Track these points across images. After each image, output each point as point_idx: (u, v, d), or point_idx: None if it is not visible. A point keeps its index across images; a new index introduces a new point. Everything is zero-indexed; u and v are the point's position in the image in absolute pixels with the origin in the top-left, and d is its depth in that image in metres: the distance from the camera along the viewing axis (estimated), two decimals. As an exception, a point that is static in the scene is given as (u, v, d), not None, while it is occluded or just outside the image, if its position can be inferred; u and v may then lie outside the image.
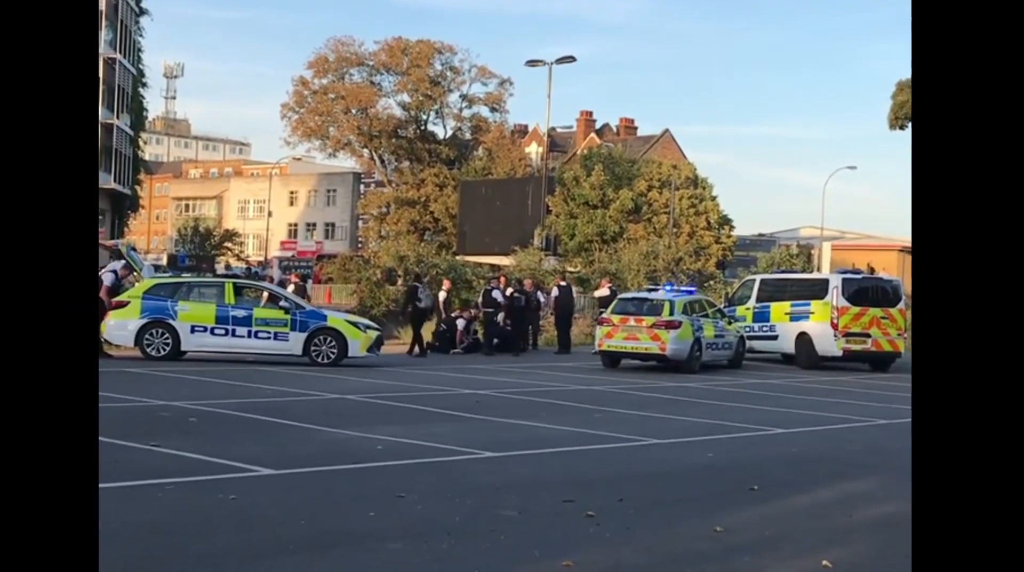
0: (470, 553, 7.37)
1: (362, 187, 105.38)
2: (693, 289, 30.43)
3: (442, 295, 31.46)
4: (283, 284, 30.94)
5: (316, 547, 7.33)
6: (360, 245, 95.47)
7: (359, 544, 7.54)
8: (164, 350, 22.55)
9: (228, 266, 59.33)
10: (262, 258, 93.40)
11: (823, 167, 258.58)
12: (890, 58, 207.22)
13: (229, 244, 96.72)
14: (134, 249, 26.70)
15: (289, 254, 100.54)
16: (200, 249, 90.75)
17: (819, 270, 55.07)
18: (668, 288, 28.94)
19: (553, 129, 70.67)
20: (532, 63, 48.74)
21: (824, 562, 7.48)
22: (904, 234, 76.14)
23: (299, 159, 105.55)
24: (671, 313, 25.42)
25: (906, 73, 54.81)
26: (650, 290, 29.49)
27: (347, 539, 7.66)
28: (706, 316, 26.89)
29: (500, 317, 30.11)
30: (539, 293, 32.16)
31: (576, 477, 10.75)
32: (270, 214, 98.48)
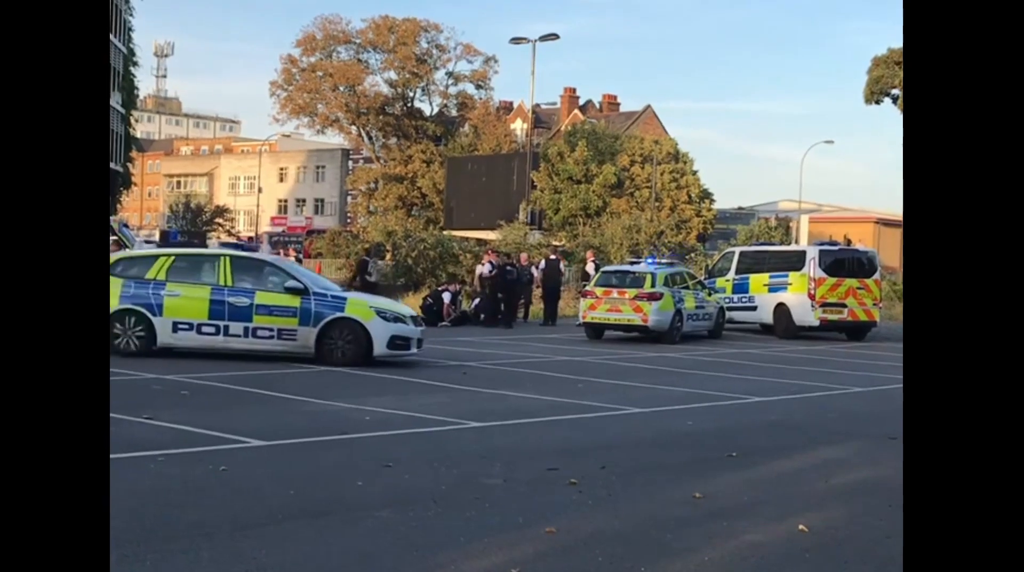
0: (456, 521, 7.50)
1: (350, 163, 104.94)
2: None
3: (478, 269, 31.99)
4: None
5: (305, 515, 7.48)
6: (349, 220, 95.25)
7: (347, 512, 7.67)
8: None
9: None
10: (252, 234, 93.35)
11: (801, 141, 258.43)
12: (867, 34, 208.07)
13: (220, 220, 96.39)
14: (126, 226, 26.78)
15: (279, 230, 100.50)
16: (192, 225, 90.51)
17: (797, 242, 55.24)
18: (650, 261, 29.15)
19: (537, 106, 70.60)
20: (516, 41, 48.66)
21: (800, 526, 7.64)
22: (879, 206, 76.46)
23: (288, 136, 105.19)
24: (653, 285, 25.66)
25: (881, 49, 54.89)
26: (632, 263, 29.67)
27: (335, 507, 7.80)
28: (687, 288, 27.13)
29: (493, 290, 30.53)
30: (532, 268, 32.44)
31: (559, 446, 10.92)
32: (260, 190, 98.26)
